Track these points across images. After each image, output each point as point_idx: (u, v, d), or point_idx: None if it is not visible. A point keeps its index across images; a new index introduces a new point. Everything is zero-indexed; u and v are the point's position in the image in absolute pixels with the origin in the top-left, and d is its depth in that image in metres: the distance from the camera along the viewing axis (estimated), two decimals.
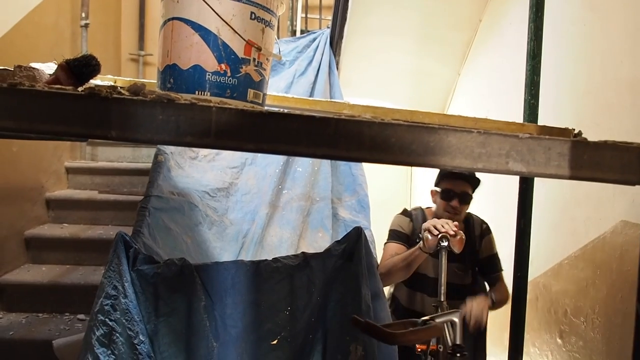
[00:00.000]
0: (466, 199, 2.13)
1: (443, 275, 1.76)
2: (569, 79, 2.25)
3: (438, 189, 2.21)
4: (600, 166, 1.01)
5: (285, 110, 1.22)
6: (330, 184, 2.87)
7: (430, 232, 1.84)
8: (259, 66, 1.23)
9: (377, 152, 0.97)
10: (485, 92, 3.27)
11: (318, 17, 4.37)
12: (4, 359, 2.36)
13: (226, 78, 1.17)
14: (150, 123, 0.91)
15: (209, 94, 1.17)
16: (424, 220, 2.23)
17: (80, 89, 0.94)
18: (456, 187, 2.13)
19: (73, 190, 3.49)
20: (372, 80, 3.77)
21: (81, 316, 2.66)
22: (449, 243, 1.82)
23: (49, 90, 0.90)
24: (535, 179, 2.28)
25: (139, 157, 3.86)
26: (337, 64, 3.67)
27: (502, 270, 2.18)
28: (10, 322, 2.55)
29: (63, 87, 0.94)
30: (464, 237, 1.85)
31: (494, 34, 3.14)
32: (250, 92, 1.22)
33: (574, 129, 1.33)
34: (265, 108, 1.31)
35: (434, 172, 3.81)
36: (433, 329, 1.21)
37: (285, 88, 3.35)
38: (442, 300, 1.79)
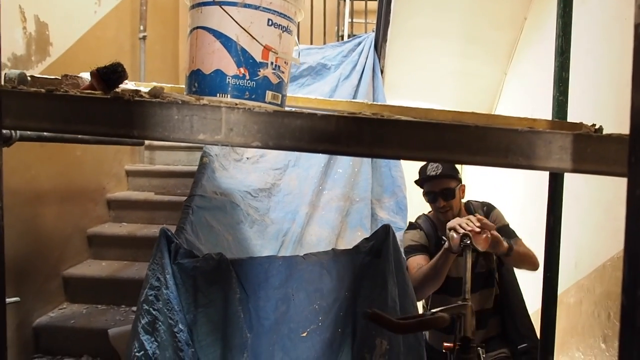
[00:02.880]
0: (449, 194, 2.12)
1: (468, 274, 1.74)
2: (608, 76, 2.18)
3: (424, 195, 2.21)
4: (604, 159, 1.01)
5: (293, 109, 1.29)
6: (370, 185, 2.92)
7: (455, 230, 1.84)
8: (276, 69, 1.31)
9: (377, 147, 1.02)
10: (533, 91, 3.20)
11: (364, 21, 4.43)
12: (64, 345, 2.58)
13: (245, 81, 1.26)
14: (167, 122, 1.01)
15: (229, 96, 1.26)
16: (432, 224, 2.22)
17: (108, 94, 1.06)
18: (435, 187, 2.13)
19: (132, 192, 3.72)
20: (417, 82, 3.77)
21: (135, 308, 2.84)
22: (472, 241, 1.80)
23: (80, 95, 1.02)
24: (577, 178, 2.23)
25: (193, 160, 4.04)
26: (382, 67, 3.72)
27: (518, 237, 2.12)
28: (72, 312, 2.78)
29: (92, 92, 1.06)
30: (490, 235, 1.83)
31: (539, 32, 3.07)
32: (269, 94, 1.30)
33: (594, 125, 1.31)
34: (286, 109, 1.39)
35: (481, 176, 3.80)
36: (439, 319, 1.23)
37: (329, 92, 3.44)
38: (466, 297, 1.77)
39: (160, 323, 1.87)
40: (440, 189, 2.12)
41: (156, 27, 4.27)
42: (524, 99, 3.34)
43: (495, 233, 1.87)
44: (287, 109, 1.42)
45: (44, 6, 2.73)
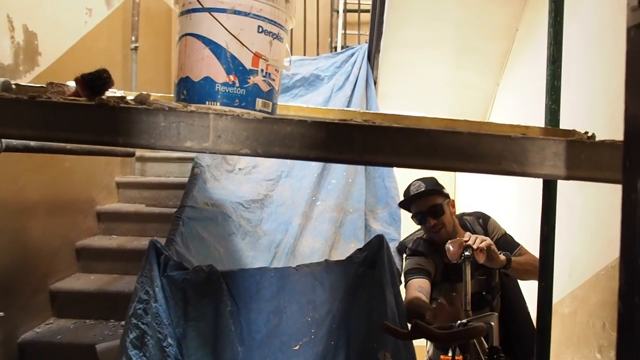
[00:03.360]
0: (438, 211, 2.03)
1: (468, 285, 1.72)
2: (601, 84, 2.18)
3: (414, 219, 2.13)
4: (598, 166, 0.99)
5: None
6: (364, 196, 2.90)
7: (452, 243, 1.82)
8: (267, 77, 1.29)
9: (368, 154, 1.00)
10: (525, 101, 3.21)
11: (357, 32, 4.44)
12: None
13: (235, 88, 1.24)
14: (153, 129, 0.98)
15: (218, 103, 1.24)
16: (430, 245, 2.14)
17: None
18: (422, 207, 2.04)
19: (122, 204, 3.67)
20: (410, 93, 3.78)
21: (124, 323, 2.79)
22: (472, 253, 1.78)
23: (64, 101, 0.99)
24: (570, 187, 2.22)
25: (185, 172, 4.00)
26: (375, 78, 3.72)
27: (520, 245, 2.07)
28: (59, 327, 2.71)
29: (77, 98, 1.03)
30: (487, 245, 1.81)
31: (531, 42, 3.08)
32: (259, 102, 1.28)
33: (587, 132, 1.30)
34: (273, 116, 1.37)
35: (475, 186, 3.79)
36: (479, 329, 1.24)
37: (323, 103, 3.43)
38: (467, 309, 1.75)
39: (149, 337, 1.83)
40: (427, 207, 2.03)
41: (148, 37, 4.26)
42: (517, 109, 3.35)
43: (493, 247, 1.84)
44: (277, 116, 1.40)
45: (32, 16, 2.70)
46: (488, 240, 1.84)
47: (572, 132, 1.26)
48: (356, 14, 4.46)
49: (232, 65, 1.24)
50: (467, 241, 1.80)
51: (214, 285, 1.85)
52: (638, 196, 0.71)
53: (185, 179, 3.83)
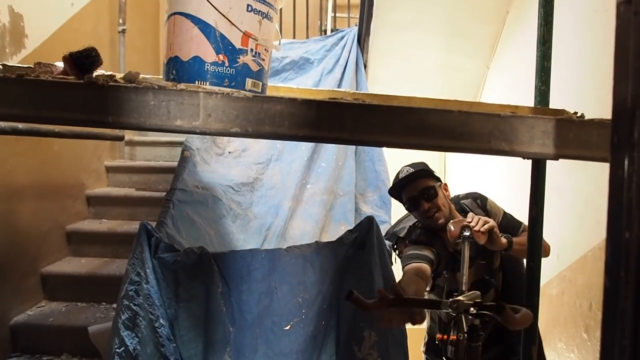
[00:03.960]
0: (431, 194, 1.90)
1: (465, 265, 1.70)
2: (590, 65, 2.19)
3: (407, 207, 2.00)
4: (587, 144, 1.00)
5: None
6: (354, 179, 2.91)
7: (453, 224, 1.75)
8: (256, 56, 1.28)
9: (359, 133, 1.00)
10: (515, 84, 3.22)
11: (347, 15, 4.41)
12: (43, 343, 2.52)
13: (224, 68, 1.23)
14: (143, 108, 0.97)
15: (208, 83, 1.22)
16: (428, 233, 2.00)
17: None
18: (413, 191, 1.90)
19: (112, 188, 3.65)
20: (400, 76, 3.77)
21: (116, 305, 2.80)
22: (471, 233, 1.71)
23: (52, 80, 0.98)
24: (558, 169, 2.24)
25: (175, 156, 3.97)
26: (365, 61, 3.70)
27: (522, 223, 1.99)
28: (51, 310, 2.71)
29: (65, 77, 1.02)
30: (490, 228, 1.74)
31: (521, 25, 3.08)
32: (249, 82, 1.27)
33: (576, 112, 1.31)
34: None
35: (464, 170, 3.79)
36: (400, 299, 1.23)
37: (312, 86, 3.41)
38: (463, 289, 1.67)
39: (140, 318, 1.84)
40: (419, 191, 1.89)
41: (135, 20, 4.20)
42: (507, 92, 3.36)
43: (496, 229, 1.77)
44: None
45: None
46: (491, 223, 1.76)
47: (562, 112, 1.27)
48: None
49: (222, 44, 1.22)
50: (470, 222, 1.73)
51: (205, 267, 1.85)
52: (624, 172, 0.72)
53: (175, 163, 3.81)
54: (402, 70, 3.71)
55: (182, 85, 1.02)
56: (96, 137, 3.10)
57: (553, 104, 1.68)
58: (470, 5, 3.21)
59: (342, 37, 3.70)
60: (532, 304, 1.72)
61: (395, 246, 2.15)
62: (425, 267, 1.82)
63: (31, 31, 2.76)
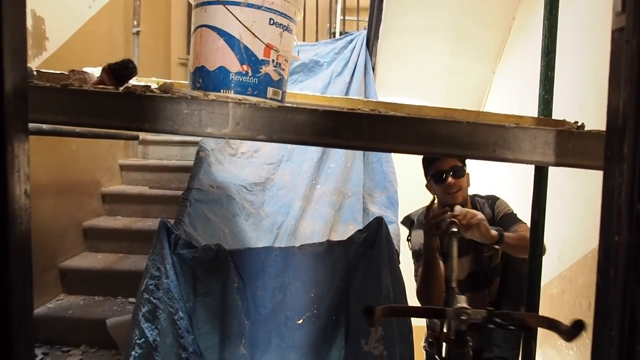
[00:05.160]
0: (459, 172, 2.01)
1: (454, 262, 1.74)
2: (593, 76, 2.27)
3: (431, 180, 2.09)
4: (585, 154, 1.09)
5: (294, 105, 1.35)
6: (362, 180, 2.99)
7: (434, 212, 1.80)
8: (277, 66, 1.37)
9: (374, 141, 1.09)
10: (520, 89, 3.29)
11: (355, 19, 4.49)
12: (63, 335, 2.62)
13: (247, 77, 1.32)
14: (177, 116, 1.07)
15: (232, 92, 1.32)
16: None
17: (120, 88, 1.12)
18: (444, 165, 2.01)
19: (126, 186, 3.76)
20: (408, 79, 3.85)
21: (132, 299, 2.89)
22: (459, 229, 1.72)
23: (94, 89, 1.07)
24: (560, 174, 2.31)
25: (187, 155, 4.09)
26: (373, 64, 3.78)
27: (520, 222, 2.04)
28: (70, 303, 2.82)
29: (105, 87, 1.11)
30: (477, 221, 1.79)
31: (527, 31, 3.16)
32: (270, 90, 1.36)
33: (576, 122, 1.39)
34: (285, 104, 1.46)
35: (471, 173, 3.84)
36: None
37: (322, 88, 3.49)
38: (452, 286, 1.72)
39: (160, 311, 1.93)
40: (450, 166, 2.00)
41: (149, 22, 4.30)
42: (512, 96, 3.44)
43: (484, 222, 1.82)
44: (286, 104, 1.48)
45: (40, 1, 2.75)
46: (479, 216, 1.81)
47: (563, 122, 1.36)
48: (355, 0, 4.51)
49: (245, 55, 1.31)
50: (456, 215, 1.77)
51: (222, 263, 1.95)
52: (615, 182, 0.81)
53: (186, 162, 3.93)
54: (409, 73, 3.79)
55: (212, 96, 1.12)
56: (113, 137, 3.20)
57: (557, 111, 1.76)
58: (477, 11, 3.29)
59: (351, 41, 3.77)
60: (533, 302, 1.81)
61: (409, 231, 2.25)
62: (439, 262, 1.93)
63: (51, 34, 2.86)
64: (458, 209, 1.84)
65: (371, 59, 3.74)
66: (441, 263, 1.98)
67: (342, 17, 4.40)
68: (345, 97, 2.31)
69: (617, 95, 0.81)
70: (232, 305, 1.93)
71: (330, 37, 4.49)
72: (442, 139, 1.08)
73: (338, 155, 3.03)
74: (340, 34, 4.31)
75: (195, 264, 1.95)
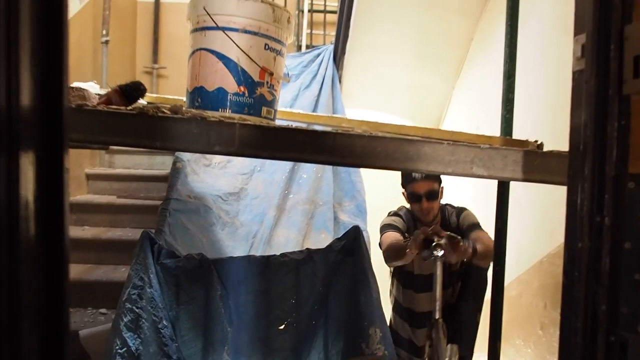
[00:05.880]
0: (433, 196, 2.17)
1: (438, 290, 1.83)
2: (549, 95, 2.49)
3: (407, 194, 2.26)
4: (548, 171, 1.25)
5: (294, 125, 1.46)
6: (332, 190, 3.11)
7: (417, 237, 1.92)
8: (271, 88, 1.47)
9: (367, 159, 1.21)
10: (477, 104, 3.52)
11: (322, 32, 4.63)
12: None
13: (244, 98, 1.42)
14: (187, 135, 1.15)
15: (230, 111, 1.41)
16: (412, 217, 2.29)
17: (129, 108, 1.20)
18: (420, 189, 2.15)
19: (93, 195, 3.73)
20: (373, 93, 4.02)
21: (103, 310, 2.89)
22: (444, 253, 1.84)
23: (108, 110, 1.15)
24: (518, 186, 2.52)
25: (154, 164, 4.09)
26: (340, 77, 3.93)
27: (480, 230, 2.19)
28: None
29: (118, 107, 1.19)
30: (461, 246, 1.91)
31: (484, 51, 3.39)
32: (264, 109, 1.46)
33: (537, 141, 1.56)
34: (276, 122, 1.56)
35: None
36: None
37: (291, 101, 3.60)
38: (437, 317, 1.84)
39: (143, 320, 1.97)
40: (425, 191, 2.15)
41: (115, 30, 4.28)
42: (469, 110, 3.66)
43: (461, 243, 1.93)
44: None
45: None
46: (462, 243, 1.92)
47: (526, 143, 1.52)
48: (322, 14, 4.66)
49: (242, 77, 1.41)
50: (441, 242, 1.86)
51: (205, 272, 2.02)
52: (578, 197, 0.96)
53: (154, 171, 3.94)
54: (374, 87, 3.96)
55: (219, 117, 1.21)
56: (83, 146, 3.19)
57: (515, 129, 1.94)
58: (438, 30, 3.49)
59: (319, 55, 3.90)
60: (497, 304, 1.97)
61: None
62: (398, 235, 2.16)
63: None
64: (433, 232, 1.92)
65: (338, 72, 3.89)
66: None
67: (308, 31, 4.54)
68: (329, 115, 2.41)
69: (578, 124, 0.96)
70: (215, 312, 2.00)
71: (297, 51, 4.61)
72: (425, 158, 1.22)
73: (309, 166, 3.14)
74: (307, 47, 4.44)
75: (179, 272, 2.01)
